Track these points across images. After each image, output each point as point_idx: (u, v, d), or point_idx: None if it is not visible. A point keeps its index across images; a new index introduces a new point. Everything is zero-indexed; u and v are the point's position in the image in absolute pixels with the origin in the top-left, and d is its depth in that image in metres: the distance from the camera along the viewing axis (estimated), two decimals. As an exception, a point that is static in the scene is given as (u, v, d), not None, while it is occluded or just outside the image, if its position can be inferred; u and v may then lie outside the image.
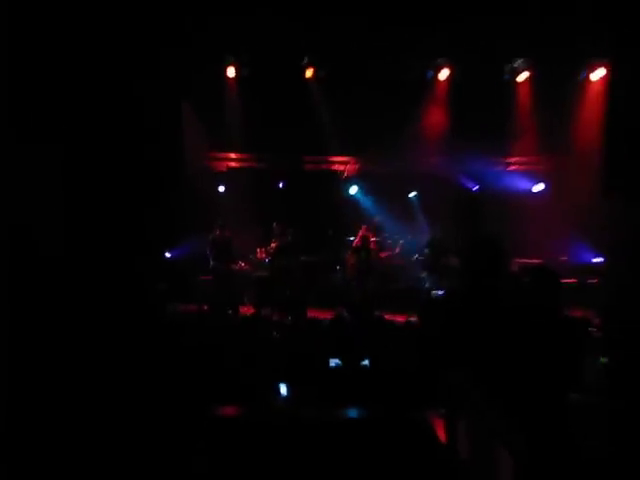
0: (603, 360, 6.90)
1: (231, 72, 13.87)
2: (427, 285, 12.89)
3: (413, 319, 9.47)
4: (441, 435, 5.19)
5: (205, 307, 10.60)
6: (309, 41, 12.82)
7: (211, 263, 12.91)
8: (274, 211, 14.25)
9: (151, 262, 12.25)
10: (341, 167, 15.44)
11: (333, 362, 7.63)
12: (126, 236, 10.30)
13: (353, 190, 15.30)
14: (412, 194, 15.28)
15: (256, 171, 15.20)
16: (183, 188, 13.39)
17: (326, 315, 9.54)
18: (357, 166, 15.41)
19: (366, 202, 15.23)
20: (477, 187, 15.21)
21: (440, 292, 12.03)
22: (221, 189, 15.13)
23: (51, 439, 5.18)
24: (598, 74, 13.22)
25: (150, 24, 10.44)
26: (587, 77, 13.44)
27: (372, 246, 13.99)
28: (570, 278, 12.33)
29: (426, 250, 13.40)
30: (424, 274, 13.38)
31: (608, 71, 13.01)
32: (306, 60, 13.70)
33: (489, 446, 4.59)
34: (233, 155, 15.24)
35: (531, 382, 4.65)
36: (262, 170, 15.20)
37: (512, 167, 15.20)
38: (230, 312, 10.92)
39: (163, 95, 11.73)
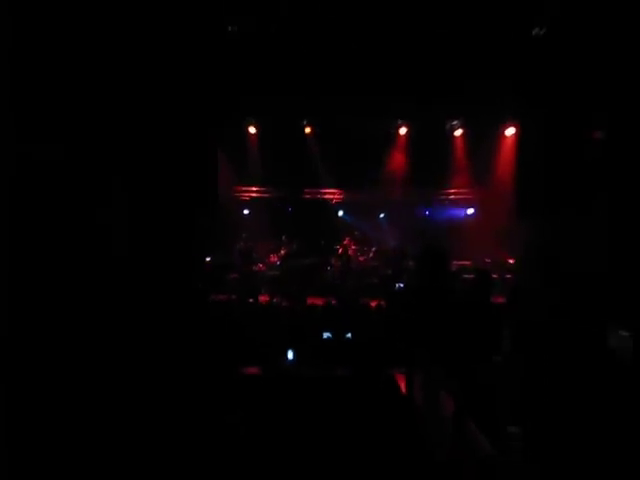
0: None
1: (252, 129, 13.96)
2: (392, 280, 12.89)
3: (382, 304, 9.46)
4: (402, 387, 5.19)
5: (233, 297, 10.57)
6: (308, 109, 12.96)
7: (237, 265, 12.96)
8: (283, 228, 14.30)
9: (196, 264, 12.26)
10: (330, 196, 15.43)
11: (325, 335, 7.63)
12: (177, 244, 10.33)
13: (340, 213, 15.30)
14: (381, 215, 15.25)
15: (270, 199, 15.19)
16: (218, 211, 13.39)
17: (320, 302, 9.54)
18: (342, 196, 15.41)
19: (349, 221, 15.24)
20: (428, 211, 15.18)
21: (401, 285, 12.02)
22: (245, 212, 15.11)
23: (115, 391, 5.16)
24: (510, 131, 13.31)
25: (199, 98, 10.59)
26: (503, 133, 13.51)
27: (351, 253, 14.05)
28: (493, 274, 12.38)
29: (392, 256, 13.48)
30: (390, 272, 13.40)
31: (517, 129, 13.09)
32: (306, 121, 13.82)
33: (436, 393, 4.63)
34: (254, 188, 15.22)
35: (466, 348, 4.69)
36: (275, 198, 15.19)
37: (452, 196, 15.20)
38: (251, 300, 10.88)
39: (205, 145, 11.78)
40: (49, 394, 4.88)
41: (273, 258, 14.13)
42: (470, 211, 14.73)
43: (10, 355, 4.85)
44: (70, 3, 7.36)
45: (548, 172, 10.73)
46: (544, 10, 9.30)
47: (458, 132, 14.01)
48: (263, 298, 11.15)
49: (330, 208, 15.27)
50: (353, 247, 14.21)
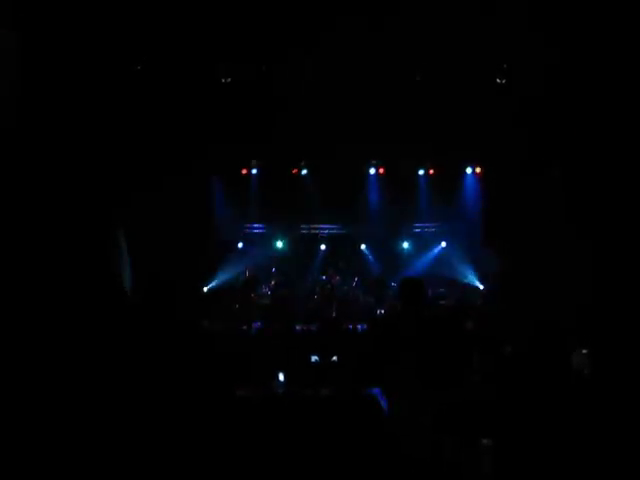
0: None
1: (244, 171, 14.03)
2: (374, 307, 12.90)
3: (365, 329, 9.45)
4: (384, 404, 5.18)
5: (229, 324, 10.52)
6: (300, 151, 13.10)
7: (239, 294, 13.03)
8: (274, 259, 14.29)
9: (195, 294, 12.24)
10: (316, 231, 15.33)
11: (313, 358, 7.62)
12: (179, 276, 10.35)
13: (322, 246, 15.14)
14: (363, 246, 15.17)
15: (264, 234, 15.07)
16: (218, 246, 13.39)
17: (308, 328, 9.53)
18: (327, 230, 15.29)
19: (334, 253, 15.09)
20: (405, 244, 15.07)
21: (382, 311, 12.02)
22: (240, 245, 14.94)
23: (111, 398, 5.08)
24: (477, 170, 13.40)
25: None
26: (467, 171, 13.64)
27: (336, 282, 14.07)
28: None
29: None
30: (372, 299, 13.41)
31: (481, 169, 13.18)
32: (296, 165, 13.90)
33: (415, 409, 4.63)
34: (246, 224, 15.09)
35: (440, 368, 4.71)
36: (268, 234, 15.07)
37: (426, 229, 15.11)
38: (245, 327, 10.80)
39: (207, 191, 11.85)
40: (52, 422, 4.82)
41: (264, 288, 14.07)
42: (443, 244, 14.71)
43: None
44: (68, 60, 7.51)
45: (510, 207, 10.91)
46: (505, 62, 9.57)
47: (430, 171, 14.14)
48: (256, 325, 11.10)
49: (316, 242, 15.23)
50: (337, 277, 14.22)
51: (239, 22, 8.38)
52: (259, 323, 7.69)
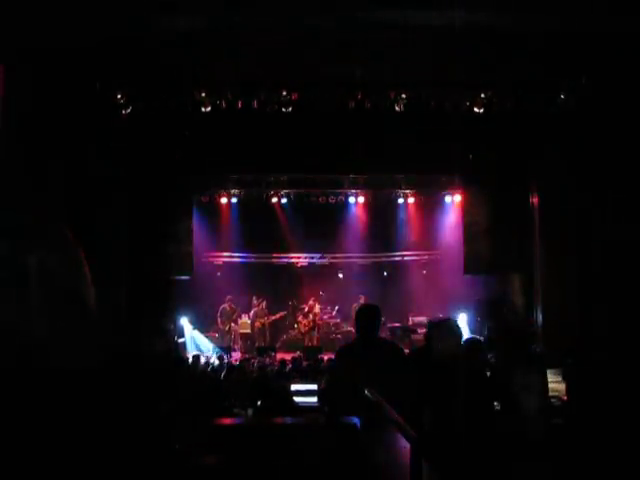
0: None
1: (223, 200, 14.03)
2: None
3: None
4: (362, 433, 5.12)
5: (209, 354, 10.45)
6: (275, 180, 13.16)
7: (218, 325, 13.10)
8: (254, 289, 14.22)
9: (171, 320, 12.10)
10: (295, 260, 15.35)
11: (293, 387, 7.56)
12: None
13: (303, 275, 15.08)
14: (340, 275, 15.14)
15: (241, 264, 15.03)
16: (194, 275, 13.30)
17: (288, 357, 9.49)
18: (306, 259, 15.30)
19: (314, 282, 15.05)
20: (385, 273, 15.06)
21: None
22: (218, 274, 14.86)
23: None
24: (456, 198, 13.49)
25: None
26: (450, 199, 13.77)
27: (317, 311, 14.03)
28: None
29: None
30: (351, 328, 13.36)
31: (462, 197, 13.29)
32: (272, 192, 13.94)
33: (392, 436, 4.58)
34: (225, 254, 15.07)
35: (392, 399, 4.66)
36: (245, 264, 15.03)
37: (406, 258, 15.17)
38: (224, 356, 10.71)
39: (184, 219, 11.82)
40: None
41: (245, 318, 13.99)
42: (424, 272, 14.73)
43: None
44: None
45: (492, 234, 11.01)
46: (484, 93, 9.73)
47: (411, 200, 14.26)
48: (236, 355, 11.03)
49: (295, 271, 15.21)
50: (318, 306, 14.19)
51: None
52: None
